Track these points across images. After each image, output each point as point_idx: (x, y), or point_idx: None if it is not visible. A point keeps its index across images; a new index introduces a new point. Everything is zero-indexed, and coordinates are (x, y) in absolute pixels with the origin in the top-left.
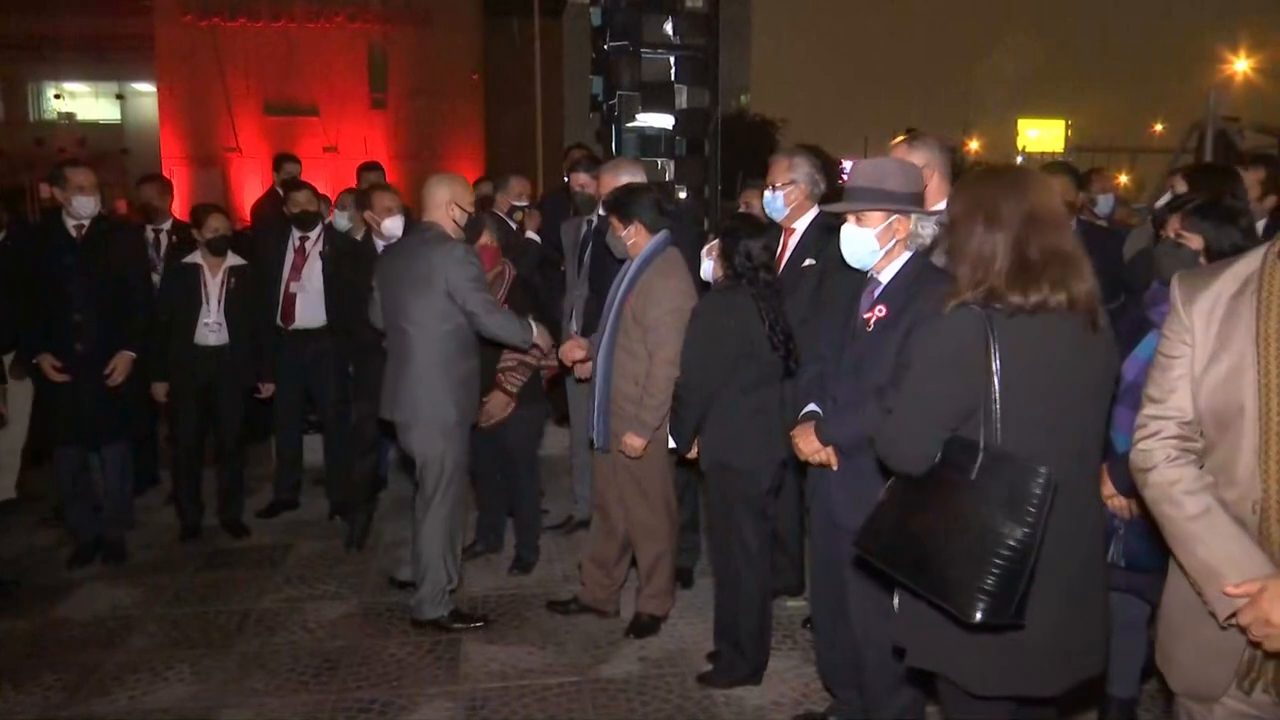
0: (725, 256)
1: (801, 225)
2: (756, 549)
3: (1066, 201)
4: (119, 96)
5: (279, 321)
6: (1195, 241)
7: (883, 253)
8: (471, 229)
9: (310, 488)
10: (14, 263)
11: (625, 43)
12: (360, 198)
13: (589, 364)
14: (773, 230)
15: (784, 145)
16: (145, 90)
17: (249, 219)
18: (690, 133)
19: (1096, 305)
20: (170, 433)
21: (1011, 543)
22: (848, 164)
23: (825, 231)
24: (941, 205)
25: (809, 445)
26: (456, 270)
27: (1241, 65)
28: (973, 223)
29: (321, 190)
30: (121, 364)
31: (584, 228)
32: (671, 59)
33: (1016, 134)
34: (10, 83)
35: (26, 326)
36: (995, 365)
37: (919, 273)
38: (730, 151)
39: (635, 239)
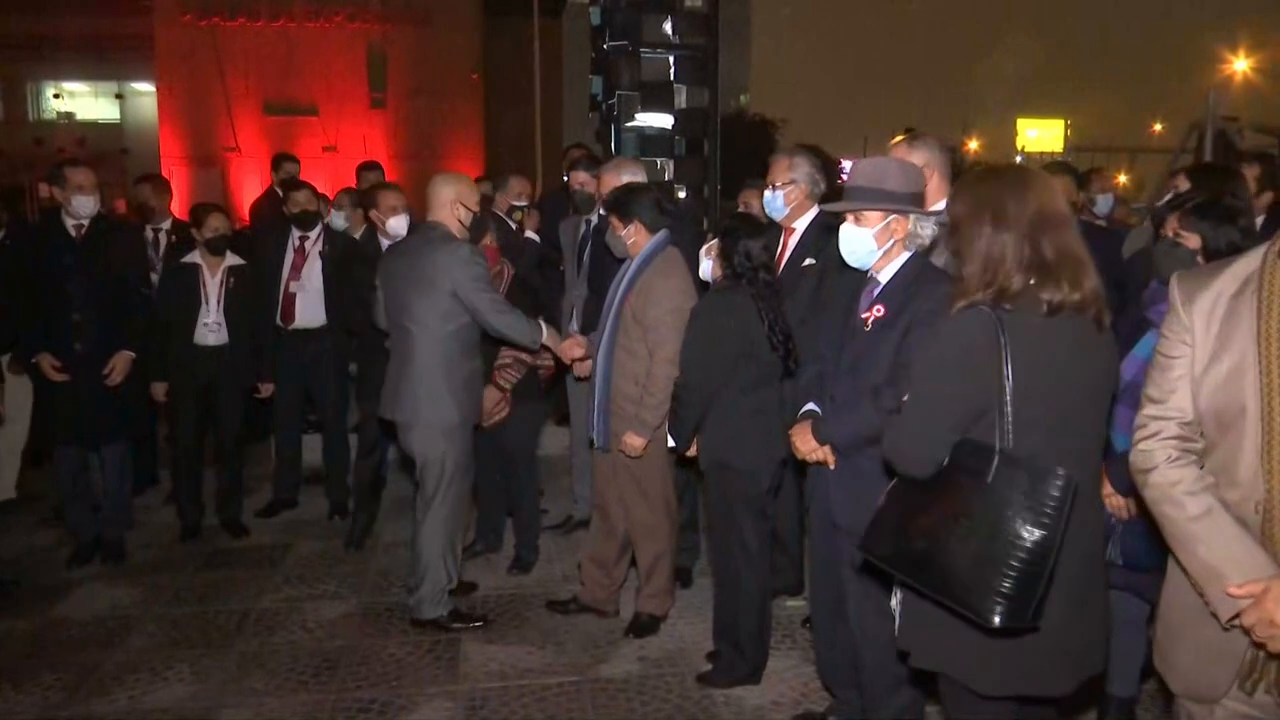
0: (725, 256)
1: (801, 225)
2: (756, 549)
3: (1069, 201)
4: (118, 96)
5: (278, 321)
6: (1193, 241)
7: (881, 252)
8: (476, 229)
9: (309, 487)
10: (13, 262)
11: (624, 42)
12: (364, 197)
13: (588, 362)
14: (772, 230)
15: (784, 145)
16: (145, 90)
17: (248, 219)
18: (690, 132)
19: (1103, 304)
20: (170, 433)
21: (1030, 545)
22: (847, 164)
23: (825, 231)
24: (941, 205)
25: (806, 444)
26: (462, 270)
27: (1241, 65)
28: (979, 223)
29: (321, 190)
30: (121, 364)
31: (583, 227)
32: (671, 59)
33: (1016, 134)
34: (10, 82)
35: (26, 326)
36: (1007, 366)
37: (918, 273)
38: (730, 151)
39: (635, 238)
